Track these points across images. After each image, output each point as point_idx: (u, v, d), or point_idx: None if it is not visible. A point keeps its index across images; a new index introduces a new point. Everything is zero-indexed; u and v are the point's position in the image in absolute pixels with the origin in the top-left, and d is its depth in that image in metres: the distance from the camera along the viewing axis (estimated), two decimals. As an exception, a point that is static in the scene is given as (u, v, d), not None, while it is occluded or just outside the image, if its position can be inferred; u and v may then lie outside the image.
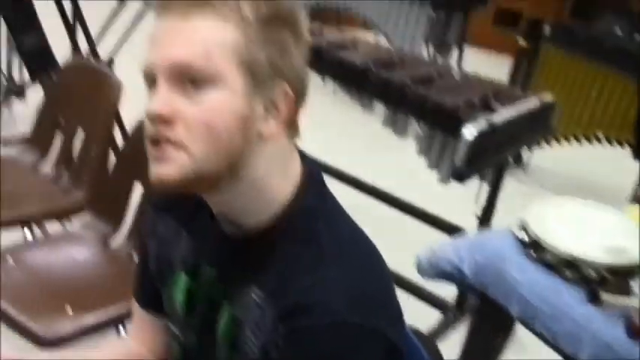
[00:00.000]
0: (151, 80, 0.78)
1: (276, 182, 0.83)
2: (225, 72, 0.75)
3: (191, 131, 0.75)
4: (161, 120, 0.75)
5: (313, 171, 0.88)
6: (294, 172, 0.85)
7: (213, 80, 0.75)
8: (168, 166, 0.76)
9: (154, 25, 0.78)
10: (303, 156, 0.89)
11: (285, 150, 0.85)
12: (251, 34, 0.76)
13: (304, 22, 0.82)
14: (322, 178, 0.89)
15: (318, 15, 3.60)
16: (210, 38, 0.75)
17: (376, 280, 0.84)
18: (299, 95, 0.82)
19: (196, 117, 0.75)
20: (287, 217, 0.83)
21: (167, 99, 0.76)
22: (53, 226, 2.07)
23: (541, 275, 1.38)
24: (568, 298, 1.33)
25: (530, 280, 1.38)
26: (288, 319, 0.77)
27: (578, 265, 1.34)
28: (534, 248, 1.40)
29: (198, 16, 0.75)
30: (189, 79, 0.75)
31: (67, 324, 1.47)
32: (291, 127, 0.83)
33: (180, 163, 0.76)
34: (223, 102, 0.76)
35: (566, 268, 1.35)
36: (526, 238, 1.43)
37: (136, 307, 1.07)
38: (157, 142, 0.76)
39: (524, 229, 1.45)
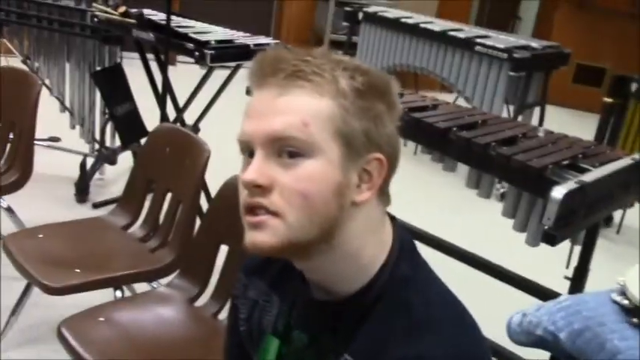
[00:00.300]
0: (246, 149, 0.81)
1: (368, 250, 0.83)
2: (321, 143, 0.77)
3: (287, 200, 0.77)
4: (257, 188, 0.77)
5: (404, 237, 0.87)
6: (386, 238, 0.85)
7: (310, 150, 0.77)
8: (264, 233, 0.78)
9: (252, 97, 0.81)
10: (393, 220, 0.88)
11: (378, 217, 0.85)
12: (347, 106, 0.78)
13: (396, 92, 0.84)
14: (414, 244, 0.89)
15: (396, 77, 3.64)
16: (307, 110, 0.77)
17: (474, 348, 0.81)
18: (391, 163, 0.83)
19: (292, 186, 0.77)
20: (380, 285, 0.83)
21: (263, 168, 0.77)
22: (141, 285, 2.13)
23: (645, 343, 1.29)
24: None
25: (633, 347, 1.30)
26: None
27: (687, 333, 1.24)
28: (636, 314, 1.32)
29: (295, 90, 0.77)
30: (286, 149, 0.77)
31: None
32: (383, 194, 0.84)
33: (275, 231, 0.78)
34: (319, 172, 0.77)
35: (674, 336, 1.26)
36: (627, 303, 1.35)
37: None
38: (252, 209, 0.79)
39: (624, 293, 1.37)
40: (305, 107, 0.77)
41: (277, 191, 0.77)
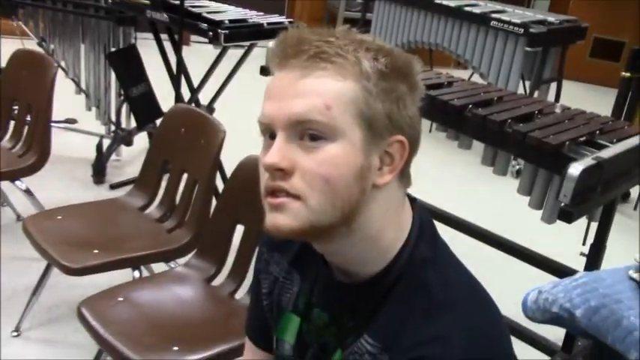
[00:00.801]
0: (266, 131, 0.80)
1: (389, 232, 0.84)
2: (344, 126, 0.76)
3: (308, 183, 0.76)
4: (279, 172, 0.77)
5: (424, 218, 0.87)
6: (405, 220, 0.85)
7: (333, 134, 0.76)
8: (285, 216, 0.78)
9: (273, 78, 0.80)
10: (413, 201, 0.88)
11: (398, 199, 0.85)
12: (370, 88, 0.77)
13: (419, 73, 0.82)
14: (434, 225, 0.89)
15: (411, 54, 3.61)
16: (330, 93, 0.76)
17: (491, 328, 0.82)
18: (413, 145, 0.82)
19: (314, 169, 0.76)
20: (399, 267, 0.83)
21: (285, 151, 0.77)
22: (159, 264, 2.15)
23: (662, 320, 1.29)
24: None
25: (650, 325, 1.29)
26: None
27: None
28: (653, 291, 1.32)
29: (318, 72, 0.76)
30: (308, 132, 0.76)
31: (172, 361, 1.51)
32: (404, 176, 0.84)
33: (296, 213, 0.77)
34: (341, 155, 0.76)
35: (691, 312, 1.26)
36: (644, 280, 1.34)
37: (248, 343, 1.09)
38: (273, 192, 0.78)
39: (641, 270, 1.36)
40: (328, 90, 0.76)
41: (299, 174, 0.77)
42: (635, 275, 1.37)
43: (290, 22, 2.93)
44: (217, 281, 1.85)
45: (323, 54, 0.76)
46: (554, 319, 1.44)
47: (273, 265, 1.00)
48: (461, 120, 1.97)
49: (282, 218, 0.78)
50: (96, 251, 1.87)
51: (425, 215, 0.88)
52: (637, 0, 5.82)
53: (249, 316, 1.09)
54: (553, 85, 3.81)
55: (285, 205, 0.77)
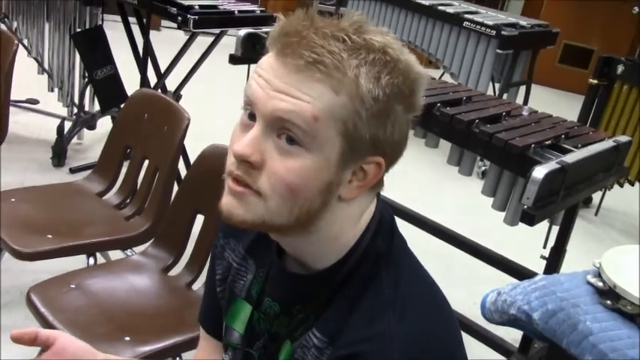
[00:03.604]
0: (248, 106, 0.77)
1: (349, 232, 0.82)
2: (324, 140, 0.73)
3: (272, 185, 0.74)
4: (247, 163, 0.74)
5: (385, 214, 0.85)
6: (367, 216, 0.83)
7: (311, 144, 0.73)
8: (241, 209, 0.76)
9: (270, 59, 0.75)
10: (377, 196, 0.86)
11: (363, 205, 0.83)
12: (361, 113, 0.73)
13: (422, 91, 0.78)
14: (393, 221, 0.87)
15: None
16: (321, 104, 0.72)
17: (440, 331, 0.80)
18: (391, 164, 0.80)
19: (282, 175, 0.74)
20: (353, 260, 0.81)
21: (259, 143, 0.74)
22: (115, 252, 2.10)
23: (617, 325, 1.30)
24: (648, 352, 1.24)
25: (605, 330, 1.30)
26: None
27: (660, 317, 1.25)
28: (610, 296, 1.32)
29: (313, 81, 0.72)
30: (287, 133, 0.73)
31: (124, 352, 1.47)
32: (377, 184, 0.81)
33: (252, 207, 0.76)
34: (313, 169, 0.74)
35: (646, 319, 1.26)
36: (601, 285, 1.34)
37: (202, 332, 1.07)
38: (235, 179, 0.76)
39: (599, 275, 1.37)
40: (319, 100, 0.72)
41: (266, 173, 0.74)
42: (592, 280, 1.37)
43: (262, 12, 2.88)
44: (175, 271, 1.81)
45: (321, 64, 0.71)
46: (512, 321, 1.44)
47: (229, 251, 0.98)
48: (429, 118, 1.96)
49: (237, 207, 0.76)
50: (50, 236, 1.82)
51: (386, 210, 0.87)
52: (607, 9, 5.92)
53: (203, 303, 1.06)
54: (522, 89, 3.84)
55: (245, 195, 0.75)
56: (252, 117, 0.76)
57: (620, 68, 3.28)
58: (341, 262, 0.81)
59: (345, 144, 0.74)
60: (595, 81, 3.38)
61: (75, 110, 3.44)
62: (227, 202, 0.77)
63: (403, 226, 0.88)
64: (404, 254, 0.85)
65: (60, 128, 3.19)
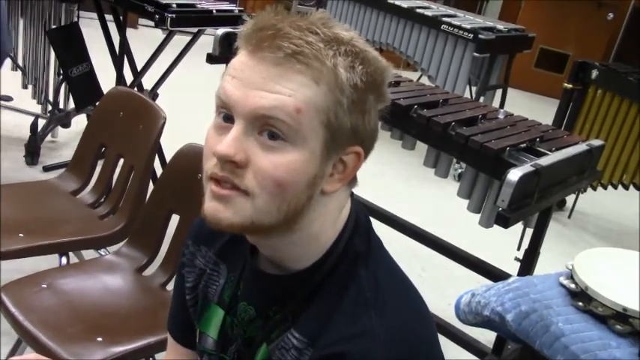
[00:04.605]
0: (222, 109, 0.76)
1: (329, 231, 0.82)
2: (308, 132, 0.73)
3: (260, 182, 0.73)
4: (231, 163, 0.73)
5: (360, 214, 0.86)
6: (343, 216, 0.83)
7: (295, 138, 0.73)
8: (229, 211, 0.75)
9: (241, 58, 0.75)
10: (350, 195, 0.86)
11: (342, 200, 0.83)
12: (342, 101, 0.74)
13: (387, 82, 0.80)
14: (369, 221, 0.87)
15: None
16: (302, 96, 0.72)
17: (419, 328, 0.80)
18: (367, 153, 0.81)
19: (269, 171, 0.73)
20: (331, 261, 0.81)
21: (241, 142, 0.73)
22: (88, 252, 2.07)
23: (589, 327, 1.31)
24: (618, 353, 1.26)
25: (577, 331, 1.31)
26: None
27: (631, 318, 1.26)
28: (582, 298, 1.34)
29: (293, 72, 0.72)
30: (270, 129, 0.73)
31: (96, 352, 1.45)
32: (352, 180, 0.82)
33: (240, 209, 0.75)
34: (299, 161, 0.74)
35: (617, 320, 1.28)
36: (574, 287, 1.36)
37: (170, 340, 1.05)
38: (219, 181, 0.75)
39: (572, 277, 1.38)
40: (301, 93, 0.72)
41: (252, 171, 0.73)
42: (565, 282, 1.39)
43: (240, 11, 2.87)
44: (149, 271, 1.79)
45: (301, 55, 0.72)
46: (486, 323, 1.45)
47: (200, 258, 0.97)
48: (406, 120, 1.97)
49: (224, 211, 0.75)
50: (21, 235, 1.79)
51: (361, 211, 0.87)
52: (582, 14, 6.00)
53: (171, 311, 1.05)
54: (499, 92, 3.88)
55: (231, 198, 0.74)
56: (227, 119, 0.75)
57: (594, 73, 3.32)
58: (320, 262, 0.81)
59: (327, 134, 0.74)
60: (570, 85, 3.42)
61: (49, 108, 3.39)
62: (211, 206, 0.76)
63: (378, 227, 0.89)
64: (381, 254, 0.86)
65: (34, 126, 3.15)
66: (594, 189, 3.59)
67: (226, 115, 0.75)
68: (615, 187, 3.47)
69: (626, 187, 3.43)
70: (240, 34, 0.76)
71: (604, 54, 6.02)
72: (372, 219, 0.89)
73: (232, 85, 0.74)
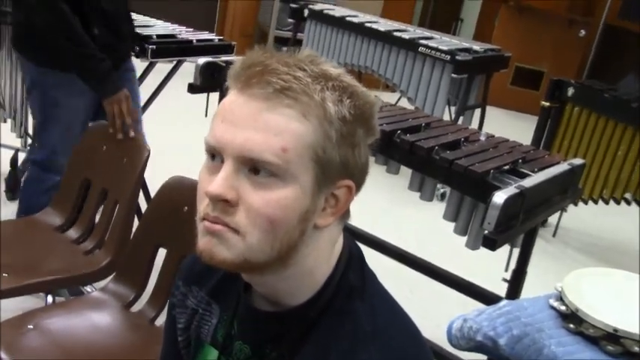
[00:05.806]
0: (213, 152, 0.77)
1: (323, 266, 0.82)
2: (297, 169, 0.74)
3: (252, 220, 0.74)
4: (223, 202, 0.74)
5: (353, 247, 0.86)
6: (336, 250, 0.83)
7: (284, 176, 0.73)
8: (221, 245, 0.75)
9: (230, 99, 0.76)
10: (343, 230, 0.87)
11: (334, 234, 0.83)
12: (331, 135, 0.75)
13: (376, 115, 0.81)
14: (362, 254, 0.88)
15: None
16: (290, 134, 0.73)
17: (417, 356, 0.80)
18: (358, 187, 0.81)
19: (260, 208, 0.73)
20: (327, 296, 0.81)
21: (232, 181, 0.74)
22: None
23: (581, 349, 1.32)
24: (611, 374, 1.26)
25: (570, 353, 1.32)
26: None
27: (622, 339, 1.27)
28: (573, 320, 1.34)
29: (281, 108, 0.73)
30: (261, 169, 0.73)
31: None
32: (345, 214, 0.82)
33: (233, 245, 0.75)
34: (290, 198, 0.74)
35: (608, 341, 1.29)
36: (564, 309, 1.37)
37: None
38: (211, 222, 0.75)
39: (562, 299, 1.39)
40: (288, 130, 0.73)
41: (243, 209, 0.74)
42: (555, 304, 1.40)
43: (220, 40, 2.88)
44: (137, 307, 1.77)
45: (289, 90, 0.72)
46: (479, 347, 1.45)
47: (191, 298, 0.96)
48: (390, 145, 1.98)
49: (217, 247, 0.75)
50: (5, 275, 1.76)
51: (353, 245, 0.88)
52: (556, 32, 6.11)
53: (162, 353, 1.04)
54: (477, 111, 3.92)
55: (223, 234, 0.75)
56: (218, 159, 0.76)
57: (570, 91, 3.38)
58: (315, 297, 0.81)
59: (317, 169, 0.75)
60: (547, 103, 3.47)
61: (29, 141, 3.35)
62: (205, 242, 0.76)
63: (365, 251, 0.89)
64: (375, 286, 0.86)
65: (13, 160, 3.11)
66: (575, 204, 3.63)
67: (215, 155, 0.76)
68: (596, 202, 3.51)
69: (606, 202, 3.47)
70: (229, 74, 0.77)
71: (577, 70, 6.13)
72: (359, 244, 0.90)
73: (221, 129, 0.75)
